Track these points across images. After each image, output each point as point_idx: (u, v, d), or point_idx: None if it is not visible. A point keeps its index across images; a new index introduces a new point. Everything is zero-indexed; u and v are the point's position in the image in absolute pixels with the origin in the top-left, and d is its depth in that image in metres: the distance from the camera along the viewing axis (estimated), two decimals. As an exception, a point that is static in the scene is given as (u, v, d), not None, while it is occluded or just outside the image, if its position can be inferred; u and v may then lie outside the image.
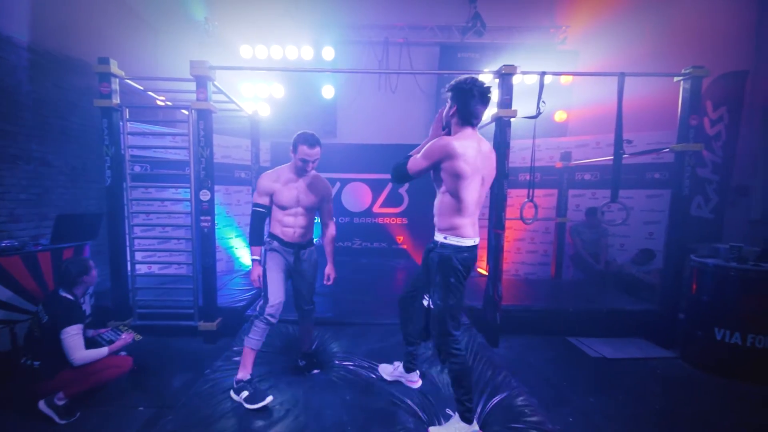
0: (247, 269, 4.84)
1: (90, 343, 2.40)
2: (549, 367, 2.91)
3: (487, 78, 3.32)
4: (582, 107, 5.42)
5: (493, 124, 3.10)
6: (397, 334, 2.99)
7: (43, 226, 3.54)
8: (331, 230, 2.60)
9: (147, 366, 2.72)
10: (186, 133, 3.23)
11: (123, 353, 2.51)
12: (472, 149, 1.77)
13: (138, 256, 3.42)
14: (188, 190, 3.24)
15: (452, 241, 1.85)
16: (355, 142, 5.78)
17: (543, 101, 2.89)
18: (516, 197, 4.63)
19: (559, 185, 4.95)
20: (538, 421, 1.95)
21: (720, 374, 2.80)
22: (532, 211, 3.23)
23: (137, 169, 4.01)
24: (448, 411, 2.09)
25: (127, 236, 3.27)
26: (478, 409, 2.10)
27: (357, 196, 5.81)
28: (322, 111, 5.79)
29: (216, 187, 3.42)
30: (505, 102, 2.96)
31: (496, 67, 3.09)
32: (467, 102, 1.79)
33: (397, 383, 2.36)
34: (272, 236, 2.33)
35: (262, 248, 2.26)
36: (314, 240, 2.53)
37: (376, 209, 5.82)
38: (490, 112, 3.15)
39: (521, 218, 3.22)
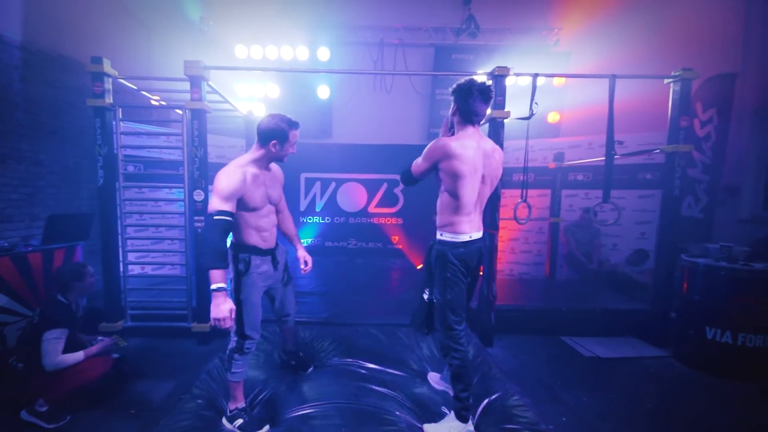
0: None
1: (81, 347, 2.37)
2: (543, 367, 2.92)
3: (480, 80, 3.34)
4: (575, 108, 5.47)
5: (487, 125, 3.12)
6: (393, 334, 3.01)
7: (34, 227, 3.50)
8: (289, 215, 2.36)
9: (139, 368, 2.69)
10: (180, 133, 3.22)
11: (115, 355, 2.49)
12: (470, 149, 1.81)
13: (131, 256, 3.39)
14: (182, 190, 3.23)
15: (448, 237, 1.92)
16: (351, 142, 5.78)
17: (536, 102, 2.92)
18: (510, 197, 4.66)
19: (552, 185, 4.99)
20: (531, 421, 1.96)
21: (712, 373, 2.82)
22: (525, 211, 3.25)
23: (130, 168, 3.98)
24: (444, 409, 2.10)
25: (120, 236, 3.25)
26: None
27: (352, 197, 5.82)
28: (318, 111, 5.80)
29: (210, 187, 3.40)
30: (499, 103, 2.98)
31: (489, 68, 3.11)
32: (466, 101, 1.85)
33: (391, 382, 2.37)
34: (248, 249, 1.95)
35: (231, 272, 1.89)
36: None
37: (371, 209, 5.83)
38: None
39: (515, 218, 3.24)
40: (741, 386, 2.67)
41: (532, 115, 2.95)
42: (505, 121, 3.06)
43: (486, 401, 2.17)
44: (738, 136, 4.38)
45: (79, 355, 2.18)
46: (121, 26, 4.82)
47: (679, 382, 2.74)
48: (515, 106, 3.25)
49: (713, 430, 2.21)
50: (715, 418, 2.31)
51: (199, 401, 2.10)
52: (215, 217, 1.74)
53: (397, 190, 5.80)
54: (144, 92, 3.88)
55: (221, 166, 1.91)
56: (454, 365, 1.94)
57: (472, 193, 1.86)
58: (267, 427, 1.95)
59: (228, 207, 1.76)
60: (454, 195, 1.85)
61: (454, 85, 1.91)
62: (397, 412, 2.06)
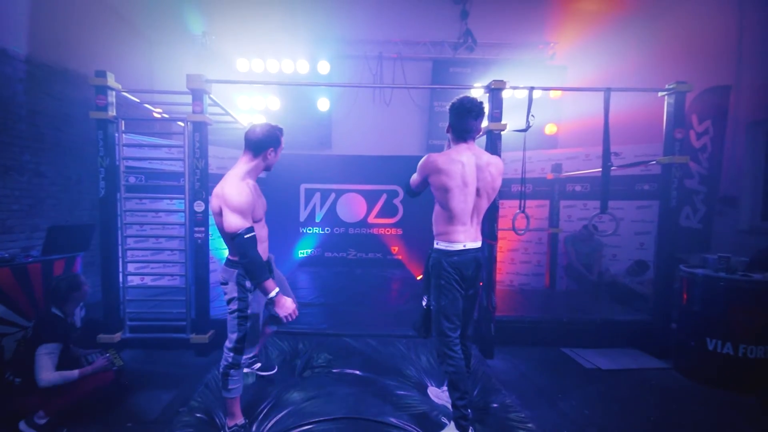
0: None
1: (75, 362, 2.36)
2: (544, 379, 2.90)
3: (477, 93, 3.40)
4: (571, 120, 5.54)
5: (485, 137, 3.16)
6: (392, 345, 2.99)
7: (34, 237, 3.51)
8: None
9: (137, 380, 2.67)
10: (181, 145, 3.26)
11: (114, 367, 2.47)
12: (458, 163, 1.89)
13: (130, 267, 3.39)
14: (182, 201, 3.25)
15: (442, 245, 1.99)
16: (350, 153, 5.83)
17: (532, 115, 2.97)
18: (509, 208, 4.68)
19: (550, 196, 5.02)
20: (532, 433, 1.94)
21: (714, 385, 2.80)
22: (524, 221, 3.27)
23: (132, 179, 4.01)
24: (443, 419, 2.08)
25: (120, 247, 3.25)
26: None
27: (352, 207, 5.84)
28: (318, 123, 5.86)
29: (210, 198, 3.43)
30: (495, 116, 3.03)
31: (487, 81, 3.17)
32: (456, 118, 1.95)
33: (391, 394, 2.35)
34: None
35: (236, 291, 1.89)
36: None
37: (371, 220, 5.84)
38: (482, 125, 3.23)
39: (513, 229, 3.26)
40: (743, 398, 2.64)
41: (528, 127, 3.00)
42: (502, 133, 3.10)
43: (486, 413, 2.15)
44: (734, 147, 4.42)
45: (73, 374, 2.15)
46: (125, 40, 4.92)
47: (680, 394, 2.72)
48: (513, 118, 3.29)
49: (716, 444, 2.19)
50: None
51: (198, 414, 2.08)
52: (246, 236, 1.75)
53: (397, 201, 5.82)
54: (147, 105, 3.94)
55: (222, 177, 1.92)
56: (449, 372, 1.97)
57: (462, 205, 1.92)
58: None
59: (250, 223, 1.80)
60: (445, 206, 1.95)
61: (452, 104, 2.00)
62: (397, 423, 2.04)
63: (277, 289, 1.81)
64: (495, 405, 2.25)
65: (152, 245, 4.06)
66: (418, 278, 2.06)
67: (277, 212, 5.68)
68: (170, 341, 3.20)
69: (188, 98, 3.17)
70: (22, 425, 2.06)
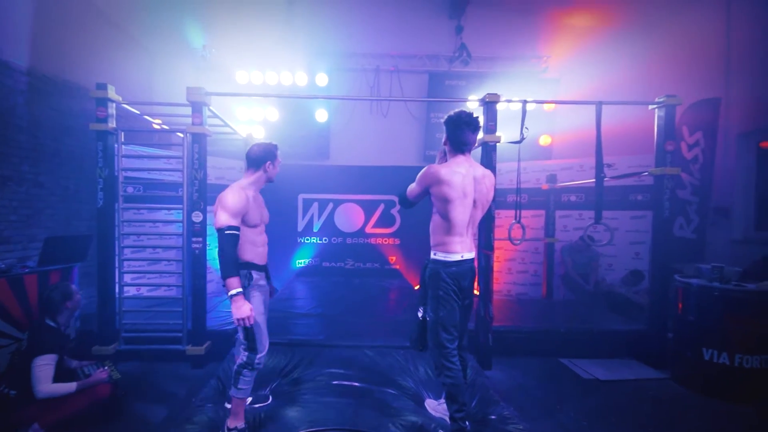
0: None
1: (70, 374, 2.34)
2: (542, 389, 2.90)
3: (472, 105, 3.47)
4: (566, 132, 5.63)
5: (480, 148, 3.21)
6: (390, 356, 2.97)
7: (31, 248, 3.49)
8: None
9: (132, 393, 2.64)
10: (180, 156, 3.28)
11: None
12: (459, 175, 1.93)
13: (127, 278, 3.38)
14: (180, 211, 3.26)
15: (440, 256, 2.00)
16: (348, 164, 5.88)
17: (526, 127, 3.04)
18: (505, 218, 4.72)
19: (546, 206, 5.07)
20: (529, 445, 1.94)
21: (711, 395, 2.80)
22: (519, 231, 3.30)
23: (130, 190, 4.02)
24: None
25: (117, 258, 3.25)
26: (470, 433, 2.08)
27: (350, 217, 5.86)
28: (316, 134, 5.92)
29: (208, 208, 3.45)
30: (490, 128, 3.09)
31: (482, 94, 3.23)
32: (454, 131, 2.00)
33: (388, 405, 2.33)
34: (247, 265, 2.05)
35: (242, 285, 1.97)
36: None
37: (368, 230, 5.86)
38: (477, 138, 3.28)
39: (509, 239, 3.29)
40: (740, 408, 2.65)
41: (522, 139, 3.05)
42: (497, 144, 3.15)
43: (484, 425, 2.15)
44: (725, 158, 4.51)
45: (71, 386, 2.15)
46: (126, 53, 4.98)
47: (678, 404, 2.72)
48: (507, 130, 3.36)
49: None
50: (715, 442, 2.29)
51: (195, 427, 2.06)
52: (227, 232, 1.92)
53: (394, 211, 5.86)
54: (146, 116, 3.97)
55: (220, 187, 2.09)
56: (447, 384, 1.96)
57: (461, 215, 1.96)
58: None
59: (235, 222, 1.96)
60: (445, 217, 1.97)
61: (445, 116, 2.05)
62: (394, 438, 2.03)
63: (238, 289, 1.89)
64: (493, 417, 2.24)
65: (149, 255, 4.05)
66: (416, 288, 2.07)
67: (276, 222, 5.64)
68: (166, 353, 3.17)
69: (188, 109, 3.21)
70: None
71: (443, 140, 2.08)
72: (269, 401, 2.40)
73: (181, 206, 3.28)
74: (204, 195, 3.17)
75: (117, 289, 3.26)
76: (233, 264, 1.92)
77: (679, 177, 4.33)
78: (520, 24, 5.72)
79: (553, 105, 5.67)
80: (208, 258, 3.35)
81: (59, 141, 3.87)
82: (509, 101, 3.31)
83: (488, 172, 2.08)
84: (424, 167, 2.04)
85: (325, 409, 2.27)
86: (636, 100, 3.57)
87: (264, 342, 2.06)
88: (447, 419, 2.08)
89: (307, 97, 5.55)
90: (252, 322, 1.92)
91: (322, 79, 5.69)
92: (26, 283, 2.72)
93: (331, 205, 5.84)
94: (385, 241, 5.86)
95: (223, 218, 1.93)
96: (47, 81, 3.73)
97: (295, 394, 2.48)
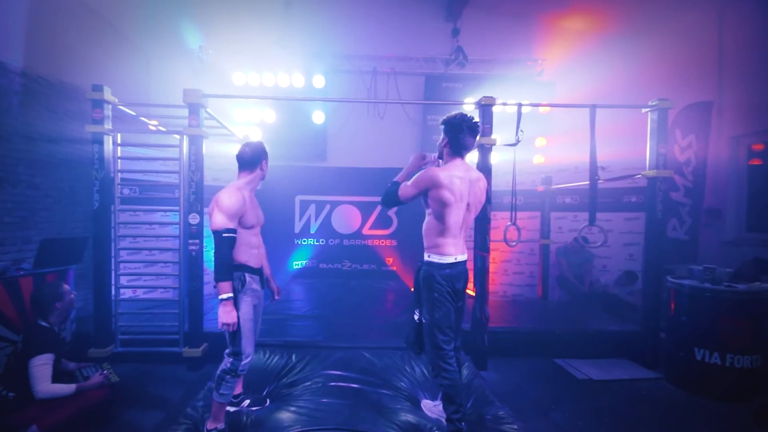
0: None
1: (69, 375, 2.33)
2: (537, 390, 2.92)
3: (468, 108, 3.50)
4: (561, 134, 5.68)
5: (476, 150, 3.24)
6: (387, 358, 2.99)
7: (26, 250, 3.48)
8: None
9: (128, 396, 2.64)
10: (177, 158, 3.28)
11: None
12: (457, 179, 1.96)
13: (123, 280, 3.37)
14: (177, 213, 3.26)
15: (435, 258, 2.01)
16: (345, 165, 5.89)
17: (521, 130, 3.07)
18: (501, 219, 4.76)
19: (541, 208, 5.11)
20: (524, 445, 1.96)
21: (703, 395, 2.83)
22: (515, 233, 3.33)
23: (126, 192, 4.01)
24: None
25: (113, 260, 3.24)
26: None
27: (346, 219, 5.87)
28: (313, 136, 5.92)
29: (205, 210, 3.44)
30: (486, 131, 3.12)
31: (478, 96, 3.26)
32: (457, 135, 2.01)
33: (385, 407, 2.35)
34: (241, 267, 2.04)
35: (234, 288, 1.98)
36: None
37: (365, 231, 5.87)
38: (473, 140, 3.31)
39: (505, 240, 3.32)
40: (732, 407, 2.69)
41: (518, 141, 3.09)
42: (493, 146, 3.18)
43: (479, 425, 2.17)
44: (717, 160, 4.57)
45: (71, 388, 2.15)
46: (122, 54, 4.97)
47: (671, 404, 2.75)
48: (503, 132, 3.38)
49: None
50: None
51: (192, 430, 2.06)
52: (224, 234, 1.92)
53: (391, 213, 5.87)
54: (143, 118, 3.97)
55: (216, 188, 2.06)
56: (444, 385, 1.97)
57: (456, 218, 1.98)
58: None
59: (233, 224, 1.95)
60: (441, 220, 1.98)
61: (445, 117, 2.05)
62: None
63: (229, 294, 1.90)
64: (488, 417, 2.26)
65: (145, 257, 4.04)
66: (413, 290, 2.08)
67: (273, 224, 5.67)
68: (162, 355, 3.16)
69: (184, 111, 3.21)
70: None
71: (441, 142, 2.08)
72: (266, 403, 2.41)
73: (177, 208, 3.27)
74: (201, 197, 3.17)
75: (113, 292, 3.25)
76: (227, 268, 1.93)
77: (672, 179, 4.39)
78: (516, 27, 5.78)
79: (548, 108, 5.72)
80: (205, 260, 3.35)
81: (55, 142, 3.85)
82: (505, 104, 3.34)
83: (481, 175, 2.10)
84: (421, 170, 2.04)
85: (323, 411, 2.28)
86: (630, 103, 3.62)
87: (248, 349, 2.03)
88: (443, 420, 2.09)
89: (304, 99, 5.56)
90: (234, 329, 1.92)
91: (319, 81, 5.70)
92: (21, 286, 2.71)
93: (328, 207, 5.85)
94: (382, 242, 5.87)
95: (221, 220, 1.91)
96: (43, 82, 3.71)
97: (292, 395, 2.49)
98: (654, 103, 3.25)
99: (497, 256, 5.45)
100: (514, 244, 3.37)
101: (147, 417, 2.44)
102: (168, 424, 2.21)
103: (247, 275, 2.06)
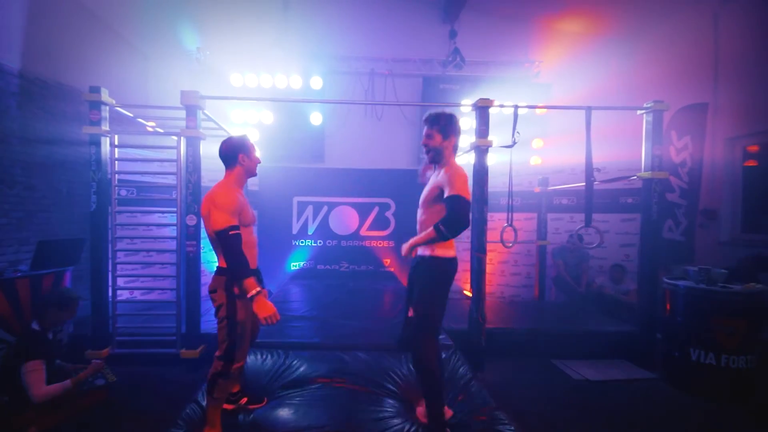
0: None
1: (66, 376, 2.32)
2: (533, 390, 2.93)
3: (465, 110, 3.51)
4: (557, 135, 5.71)
5: (472, 152, 3.25)
6: (384, 359, 2.99)
7: (22, 251, 3.47)
8: None
9: (125, 397, 2.64)
10: (174, 159, 3.29)
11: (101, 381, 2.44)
12: None
13: (120, 281, 3.37)
14: (174, 214, 3.26)
15: (440, 253, 1.98)
16: (343, 166, 5.91)
17: (518, 132, 3.08)
18: (498, 221, 4.78)
19: (538, 209, 5.13)
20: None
21: (699, 395, 2.85)
22: (511, 234, 3.34)
23: (123, 193, 4.01)
24: None
25: (110, 261, 3.24)
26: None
27: (344, 220, 5.88)
28: (311, 137, 5.93)
29: (203, 212, 3.45)
30: (482, 132, 3.13)
31: (475, 98, 3.28)
32: (457, 133, 2.05)
33: (382, 408, 2.35)
34: None
35: (225, 296, 1.91)
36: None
37: (363, 232, 5.88)
38: (468, 141, 3.33)
39: (501, 241, 3.33)
40: (728, 408, 2.70)
41: (514, 143, 3.10)
42: (490, 147, 3.20)
43: (475, 426, 2.17)
44: (712, 162, 4.60)
45: (67, 383, 2.14)
46: (120, 55, 4.97)
47: (666, 405, 2.76)
48: (500, 134, 3.40)
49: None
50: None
51: None
52: (231, 232, 1.82)
53: (389, 214, 5.89)
54: (140, 119, 3.97)
55: None
56: (439, 379, 1.97)
57: None
58: None
59: (237, 221, 1.87)
60: None
61: (445, 114, 2.03)
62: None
63: (258, 289, 1.82)
64: (483, 418, 2.27)
65: (143, 259, 4.04)
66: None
67: (270, 225, 5.71)
68: (160, 357, 3.16)
69: (182, 112, 3.22)
70: None
71: (448, 140, 2.01)
72: (263, 403, 2.41)
73: (175, 209, 3.28)
74: (198, 198, 3.18)
75: (110, 293, 3.25)
76: (245, 264, 1.83)
77: (668, 180, 4.42)
78: (512, 30, 5.81)
79: (545, 109, 5.75)
80: (202, 261, 3.36)
81: (52, 144, 3.84)
82: (502, 106, 3.36)
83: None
84: (455, 172, 1.90)
85: (319, 411, 2.29)
86: (627, 104, 3.64)
87: (239, 354, 1.98)
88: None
89: (302, 100, 5.58)
90: (277, 318, 1.83)
91: (316, 82, 5.71)
92: (18, 287, 2.71)
93: (325, 208, 5.86)
94: (380, 243, 5.88)
95: (224, 219, 1.82)
96: (40, 84, 3.71)
97: (289, 396, 2.49)
98: (649, 105, 3.27)
99: (494, 257, 5.47)
100: (510, 245, 3.38)
101: (144, 419, 2.44)
102: (165, 427, 2.21)
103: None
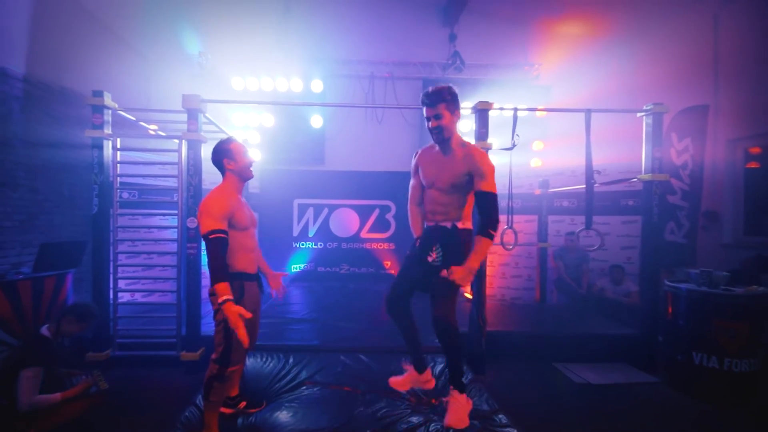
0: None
1: (58, 381, 2.31)
2: (534, 394, 2.92)
3: (465, 113, 3.50)
4: (558, 138, 5.71)
5: (473, 154, 3.26)
6: (384, 361, 2.99)
7: (25, 254, 3.49)
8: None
9: (124, 400, 2.64)
10: (176, 162, 3.31)
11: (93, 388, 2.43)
12: None
13: (121, 283, 3.38)
14: (175, 217, 3.28)
15: (467, 225, 2.09)
16: (343, 169, 5.92)
17: (517, 134, 3.09)
18: (500, 223, 4.77)
19: (539, 211, 5.12)
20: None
21: (702, 399, 2.82)
22: (512, 236, 3.34)
23: (125, 196, 4.03)
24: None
25: (112, 263, 3.25)
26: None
27: (345, 222, 5.89)
28: (311, 139, 5.95)
29: (203, 215, 3.46)
30: (482, 135, 3.13)
31: (475, 100, 3.28)
32: (459, 108, 2.10)
33: (388, 409, 2.35)
34: (239, 276, 1.97)
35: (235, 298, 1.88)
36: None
37: (363, 235, 5.89)
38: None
39: (501, 243, 3.33)
40: (731, 412, 2.68)
41: (514, 146, 3.10)
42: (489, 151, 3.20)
43: (477, 429, 2.16)
44: (714, 164, 4.58)
45: (56, 397, 2.12)
46: (122, 59, 5.01)
47: (669, 408, 2.74)
48: (501, 136, 3.41)
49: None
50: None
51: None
52: (212, 237, 1.80)
53: (389, 216, 5.89)
54: (142, 123, 4.00)
55: None
56: (457, 346, 2.06)
57: None
58: None
59: (222, 226, 1.84)
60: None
61: (447, 87, 2.05)
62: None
63: (227, 297, 1.74)
64: (486, 421, 2.26)
65: (144, 261, 4.06)
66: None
67: (271, 227, 5.72)
68: (160, 359, 3.17)
69: (183, 116, 3.24)
70: None
71: (454, 114, 2.04)
72: (263, 406, 2.41)
73: (176, 212, 3.29)
74: (199, 201, 3.18)
75: (111, 295, 3.26)
76: (224, 268, 1.81)
77: (669, 182, 4.40)
78: (512, 32, 5.82)
79: (545, 112, 5.75)
80: (202, 263, 3.36)
81: (55, 147, 3.87)
82: (501, 109, 3.36)
83: None
84: (484, 158, 1.97)
85: (319, 414, 2.29)
86: (628, 106, 3.63)
87: (235, 358, 1.98)
88: (419, 387, 2.31)
89: (303, 104, 5.60)
90: (242, 329, 1.73)
91: (317, 86, 5.74)
92: (20, 290, 2.73)
93: (326, 210, 5.86)
94: (380, 246, 5.88)
95: (207, 223, 1.82)
96: (44, 88, 3.75)
97: (289, 398, 2.49)
98: (648, 108, 3.27)
99: (495, 260, 5.45)
100: (510, 247, 3.38)
101: (143, 422, 2.44)
102: (163, 430, 2.21)
103: (245, 284, 2.00)
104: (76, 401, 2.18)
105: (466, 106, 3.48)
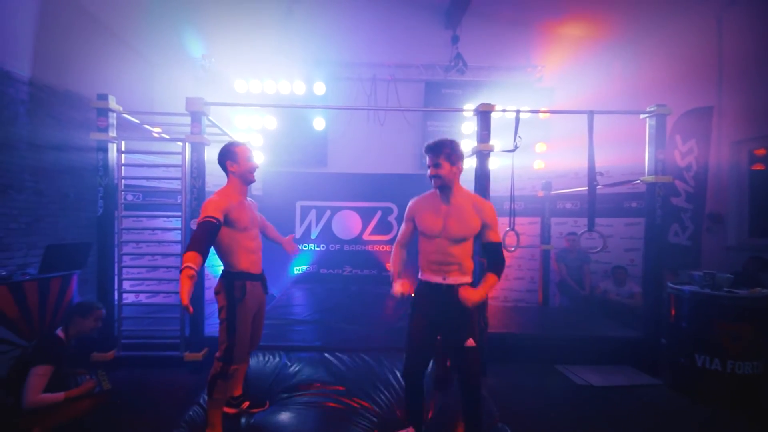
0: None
1: (63, 380, 2.34)
2: (536, 396, 2.91)
3: (467, 115, 3.52)
4: (561, 139, 5.70)
5: (474, 156, 3.26)
6: (385, 362, 2.99)
7: (31, 255, 3.53)
8: (272, 225, 2.60)
9: (129, 399, 2.66)
10: (179, 164, 3.34)
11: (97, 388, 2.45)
12: None
13: (126, 285, 3.41)
14: (179, 218, 3.30)
15: (469, 280, 2.06)
16: (345, 171, 5.94)
17: (520, 136, 3.09)
18: (501, 225, 4.76)
19: (541, 213, 5.11)
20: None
21: (705, 402, 2.81)
22: (514, 238, 3.34)
23: (129, 198, 4.07)
24: None
25: (116, 265, 3.28)
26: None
27: (347, 224, 5.90)
28: (314, 142, 5.98)
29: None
30: (484, 137, 3.14)
31: (477, 103, 3.28)
32: (462, 159, 2.03)
33: (386, 410, 2.35)
34: (242, 276, 2.00)
35: (226, 299, 1.96)
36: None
37: (366, 237, 5.90)
38: (470, 145, 3.34)
39: (503, 246, 3.32)
40: (733, 414, 2.66)
41: (516, 148, 3.11)
42: (491, 152, 3.20)
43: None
44: (718, 166, 4.56)
45: (59, 397, 2.14)
46: (126, 63, 5.06)
47: (671, 411, 2.73)
48: (504, 138, 3.41)
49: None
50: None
51: (188, 434, 2.08)
52: (200, 221, 1.82)
53: (391, 218, 5.90)
54: (146, 125, 4.03)
55: None
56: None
57: None
58: None
59: (215, 215, 1.84)
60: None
61: (447, 140, 1.98)
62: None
63: (187, 264, 1.64)
64: (487, 423, 2.26)
65: (148, 262, 4.09)
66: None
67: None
68: (164, 359, 3.19)
69: (187, 118, 3.26)
70: None
71: (455, 165, 1.98)
72: (265, 406, 2.43)
73: (179, 214, 3.32)
74: (202, 203, 3.21)
75: (116, 296, 3.29)
76: (199, 243, 1.73)
77: (673, 184, 4.38)
78: (515, 34, 5.83)
79: (547, 113, 5.74)
80: (206, 265, 3.38)
81: (60, 150, 3.92)
82: (504, 111, 3.36)
83: None
84: (493, 212, 2.08)
85: (322, 415, 2.29)
86: (631, 108, 3.62)
87: (239, 356, 1.99)
88: None
89: (305, 106, 5.63)
90: (186, 303, 1.59)
91: (319, 88, 5.76)
92: (26, 290, 2.76)
93: (328, 212, 5.88)
94: (383, 248, 5.89)
95: (202, 215, 1.85)
96: (49, 91, 3.79)
97: (291, 399, 2.50)
98: (652, 109, 3.26)
99: (498, 262, 5.44)
100: (512, 249, 3.37)
101: (147, 421, 2.46)
102: (168, 429, 2.23)
103: (248, 283, 2.03)
104: (79, 401, 2.19)
105: (468, 108, 3.50)
